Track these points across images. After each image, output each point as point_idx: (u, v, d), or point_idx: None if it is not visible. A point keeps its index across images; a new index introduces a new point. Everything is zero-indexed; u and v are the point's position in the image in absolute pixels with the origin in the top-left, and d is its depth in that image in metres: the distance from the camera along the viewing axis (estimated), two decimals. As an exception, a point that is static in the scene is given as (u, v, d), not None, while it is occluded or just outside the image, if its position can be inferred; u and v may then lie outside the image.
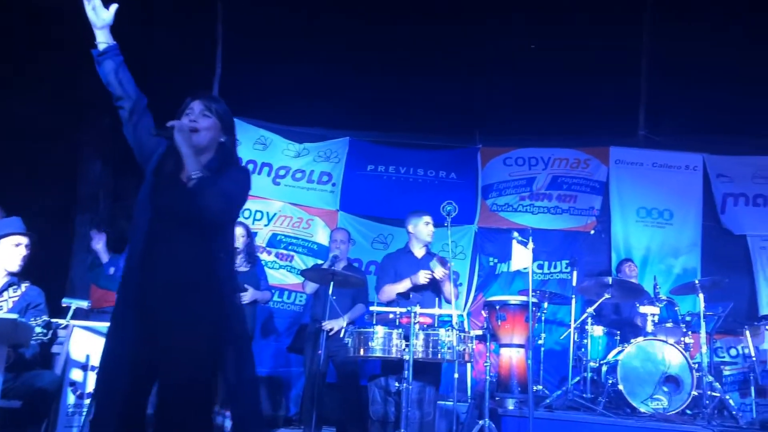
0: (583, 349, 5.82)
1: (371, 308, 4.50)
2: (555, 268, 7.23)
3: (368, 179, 7.60)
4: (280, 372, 6.77)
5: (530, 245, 4.50)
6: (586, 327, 5.82)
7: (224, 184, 2.57)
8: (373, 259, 7.17)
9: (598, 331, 5.92)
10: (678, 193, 7.39)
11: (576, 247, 7.16)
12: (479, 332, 4.81)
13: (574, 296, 5.77)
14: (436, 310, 4.53)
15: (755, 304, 7.09)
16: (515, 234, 4.76)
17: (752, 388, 5.81)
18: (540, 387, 5.89)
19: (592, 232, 6.77)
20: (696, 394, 5.25)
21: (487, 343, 4.69)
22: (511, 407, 5.14)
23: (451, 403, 6.07)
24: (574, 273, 5.86)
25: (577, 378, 5.72)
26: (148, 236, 2.54)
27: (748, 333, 5.89)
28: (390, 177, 7.61)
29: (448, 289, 4.89)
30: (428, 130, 7.74)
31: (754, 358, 5.84)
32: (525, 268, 4.87)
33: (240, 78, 7.55)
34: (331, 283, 4.68)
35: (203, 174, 2.51)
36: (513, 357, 4.46)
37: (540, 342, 6.15)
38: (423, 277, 4.81)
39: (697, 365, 5.42)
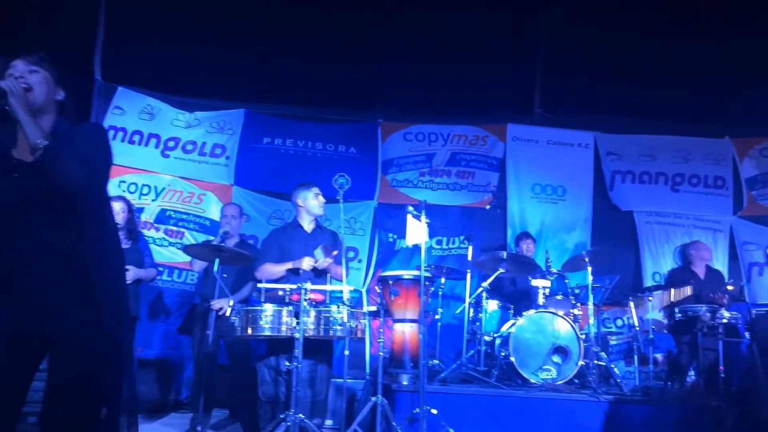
0: (477, 323, 5.87)
1: (259, 285, 4.30)
2: (453, 243, 7.27)
3: (264, 153, 7.33)
4: (170, 354, 6.45)
5: (423, 218, 4.42)
6: (482, 301, 5.87)
7: (78, 147, 2.28)
8: (270, 235, 6.95)
9: (493, 305, 5.99)
10: (571, 170, 7.59)
11: (473, 223, 7.21)
12: (374, 308, 4.73)
13: (469, 271, 5.79)
14: (327, 287, 4.39)
15: (640, 277, 7.43)
16: (410, 208, 4.68)
17: (635, 357, 6.06)
18: (436, 361, 5.92)
19: (488, 207, 6.81)
20: (583, 363, 5.40)
21: (381, 319, 4.61)
22: (405, 382, 5.10)
23: (349, 380, 6.06)
24: (470, 248, 5.89)
25: (472, 351, 5.77)
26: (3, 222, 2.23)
27: (632, 304, 6.11)
28: (287, 151, 7.37)
29: (338, 271, 4.78)
30: (328, 104, 7.53)
31: (637, 328, 6.07)
32: (420, 243, 4.81)
33: (125, 43, 7.03)
34: (217, 260, 4.43)
35: (51, 141, 2.21)
36: (406, 332, 4.40)
37: (437, 317, 6.19)
38: (307, 264, 4.65)
39: (584, 336, 5.58)
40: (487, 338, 5.82)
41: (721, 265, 7.31)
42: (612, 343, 6.93)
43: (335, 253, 4.67)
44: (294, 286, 4.15)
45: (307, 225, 4.96)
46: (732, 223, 7.52)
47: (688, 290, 6.41)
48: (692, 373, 6.31)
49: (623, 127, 7.71)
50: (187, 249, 5.07)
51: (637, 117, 7.63)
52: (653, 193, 7.59)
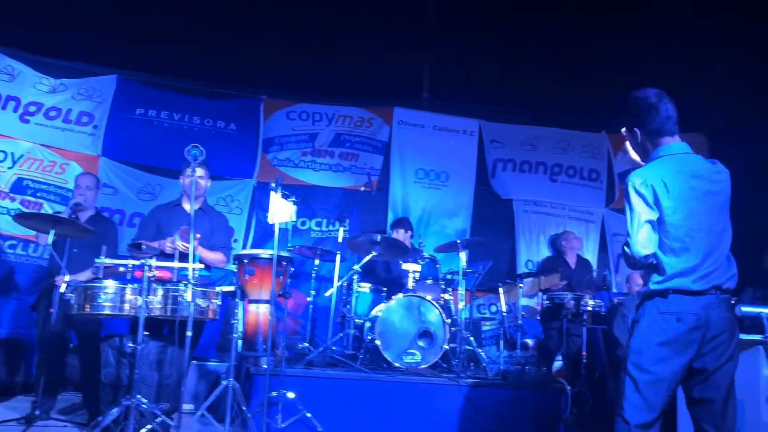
0: (348, 306, 5.79)
1: (96, 260, 4.01)
2: (333, 226, 7.15)
3: (137, 124, 6.92)
4: (21, 333, 6.00)
5: (278, 195, 4.27)
6: (353, 284, 5.79)
7: None
8: (139, 210, 6.59)
9: (365, 288, 5.92)
10: (455, 156, 7.64)
11: (355, 206, 7.13)
12: (230, 288, 4.54)
13: (339, 253, 5.69)
14: (175, 264, 4.16)
15: (515, 264, 7.59)
16: (273, 185, 4.51)
17: (501, 342, 6.17)
18: (306, 344, 5.81)
19: (362, 189, 6.71)
20: (448, 347, 5.44)
21: (237, 300, 4.43)
22: (266, 366, 4.94)
23: (214, 363, 5.86)
24: (341, 230, 5.78)
25: (340, 334, 5.69)
26: None
27: (501, 290, 6.21)
28: (162, 123, 7.00)
29: (206, 256, 4.59)
30: (208, 77, 7.20)
31: (505, 314, 6.18)
32: (283, 222, 4.65)
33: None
34: (52, 231, 4.10)
35: None
36: (260, 313, 4.25)
37: (309, 299, 6.07)
38: (167, 247, 4.43)
39: (451, 321, 5.61)
40: (358, 321, 5.76)
41: (591, 254, 7.58)
42: (485, 328, 7.05)
43: (198, 236, 4.43)
44: (137, 262, 3.89)
45: (188, 204, 4.66)
46: (604, 214, 7.81)
47: (556, 278, 6.59)
48: (559, 358, 6.53)
49: (508, 117, 7.83)
50: (18, 218, 4.65)
51: (520, 107, 7.76)
52: (532, 182, 7.77)
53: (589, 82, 7.48)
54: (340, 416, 4.76)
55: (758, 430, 3.07)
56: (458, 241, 5.93)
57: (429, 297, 5.56)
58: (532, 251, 7.61)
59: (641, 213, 2.64)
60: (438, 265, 6.08)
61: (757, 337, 3.12)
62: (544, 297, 6.38)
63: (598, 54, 7.42)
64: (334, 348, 5.50)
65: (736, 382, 2.82)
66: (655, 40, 7.30)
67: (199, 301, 4.05)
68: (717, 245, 2.67)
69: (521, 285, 6.59)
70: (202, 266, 4.03)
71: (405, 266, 5.72)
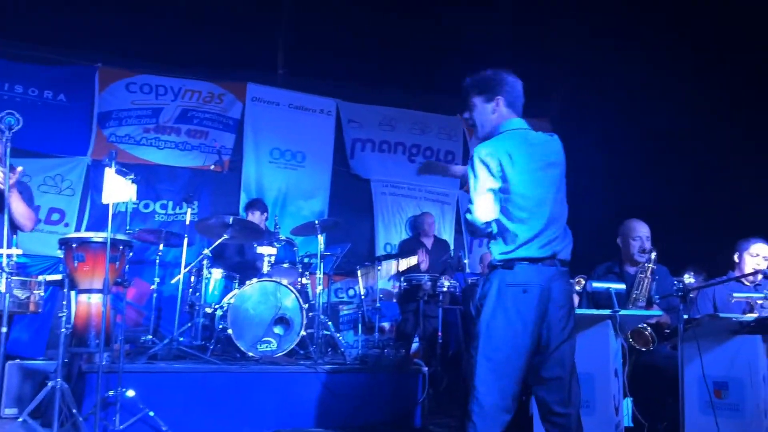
0: (197, 294, 5.38)
1: None
2: (181, 208, 6.65)
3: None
4: None
5: (112, 171, 3.80)
6: (203, 270, 5.38)
7: None
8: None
9: (216, 274, 5.53)
10: (312, 136, 7.40)
11: (202, 186, 6.66)
12: (57, 277, 3.99)
13: (186, 236, 5.25)
14: (-14, 250, 3.57)
15: (374, 246, 7.51)
16: (106, 159, 4.01)
17: (360, 326, 6.07)
18: (150, 337, 5.33)
19: (212, 168, 6.28)
20: (305, 333, 5.22)
21: (65, 290, 3.91)
22: (104, 362, 4.44)
23: (42, 361, 5.21)
24: (188, 212, 5.35)
25: (188, 324, 5.28)
26: None
27: (359, 273, 6.09)
28: (-27, 91, 6.12)
29: (20, 205, 3.94)
30: (33, 38, 6.36)
31: (363, 297, 6.07)
32: (123, 203, 4.18)
33: None
34: None
35: None
36: (92, 304, 3.78)
37: (153, 287, 5.58)
38: None
39: (308, 305, 5.40)
40: (208, 310, 5.38)
41: (447, 235, 7.67)
42: (343, 313, 6.90)
43: (20, 169, 3.80)
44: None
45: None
46: (459, 196, 7.93)
47: (414, 259, 6.59)
48: (417, 339, 6.54)
49: (365, 96, 7.70)
50: None
51: (378, 87, 7.65)
52: (391, 162, 7.72)
53: (446, 64, 7.51)
54: (188, 413, 4.38)
55: (607, 403, 3.15)
56: (316, 223, 5.69)
57: (285, 281, 5.30)
58: (390, 233, 7.57)
59: (484, 181, 2.65)
60: (295, 248, 5.83)
61: (607, 311, 3.19)
62: (402, 279, 6.36)
63: (455, 38, 7.48)
64: (181, 339, 5.09)
65: (588, 356, 2.84)
66: (509, 29, 7.51)
67: (17, 293, 3.50)
68: (558, 215, 2.73)
69: (379, 267, 6.53)
70: (20, 252, 3.48)
71: (260, 249, 5.41)
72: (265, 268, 5.36)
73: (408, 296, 6.32)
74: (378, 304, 6.22)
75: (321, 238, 5.70)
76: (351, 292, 7.33)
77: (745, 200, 6.45)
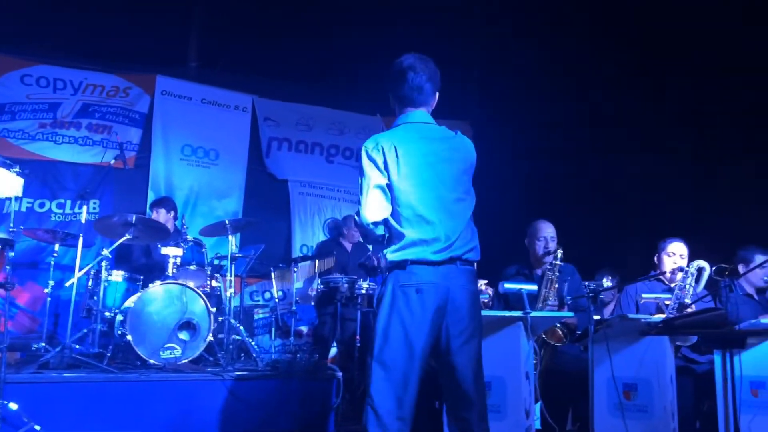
0: (96, 298, 5.02)
1: None
2: (80, 208, 6.20)
3: None
4: None
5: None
6: (102, 272, 5.02)
7: None
8: None
9: (117, 276, 5.18)
10: (226, 133, 7.11)
11: (105, 184, 6.26)
12: (-74, 280, 3.60)
13: (81, 236, 4.88)
14: None
15: (290, 248, 7.29)
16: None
17: (273, 330, 5.85)
18: (43, 344, 4.93)
19: (112, 163, 5.87)
20: (212, 339, 4.96)
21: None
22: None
23: None
24: (84, 210, 4.98)
25: (84, 330, 4.92)
26: None
27: (273, 275, 5.88)
28: None
29: None
30: None
31: (277, 300, 5.87)
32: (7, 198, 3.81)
33: None
34: None
35: None
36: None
37: (47, 291, 5.16)
38: None
39: (217, 309, 5.14)
40: (108, 315, 5.03)
41: (368, 238, 7.52)
42: (257, 316, 6.64)
43: None
44: None
45: None
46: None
47: (331, 262, 6.42)
48: (335, 343, 6.37)
49: (283, 94, 7.46)
50: None
51: (296, 85, 7.44)
52: (308, 162, 7.52)
53: (366, 63, 7.36)
54: (81, 426, 4.04)
55: (518, 407, 3.07)
56: (226, 223, 5.44)
57: (192, 284, 5.01)
58: (307, 235, 7.36)
59: (372, 178, 2.51)
60: (204, 249, 5.54)
61: (518, 313, 3.12)
62: (319, 282, 6.17)
63: (377, 37, 7.35)
64: (78, 347, 4.74)
65: (499, 358, 2.75)
66: (431, 27, 7.44)
67: None
68: (453, 214, 2.56)
69: (296, 270, 6.32)
70: None
71: (164, 251, 5.10)
72: (170, 270, 5.06)
73: (325, 299, 6.15)
74: (294, 308, 6.02)
75: (232, 239, 5.46)
76: (267, 295, 7.08)
77: (661, 202, 6.62)
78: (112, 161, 5.17)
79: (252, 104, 7.29)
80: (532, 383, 3.29)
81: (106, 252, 4.95)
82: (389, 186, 2.51)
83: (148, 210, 6.37)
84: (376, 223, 2.51)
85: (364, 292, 5.99)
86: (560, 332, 3.77)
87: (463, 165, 2.65)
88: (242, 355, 5.53)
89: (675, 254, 4.26)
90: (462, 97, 8.16)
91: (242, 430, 4.49)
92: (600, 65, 6.91)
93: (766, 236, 4.48)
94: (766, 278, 4.28)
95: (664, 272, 4.26)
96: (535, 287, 3.32)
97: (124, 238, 5.00)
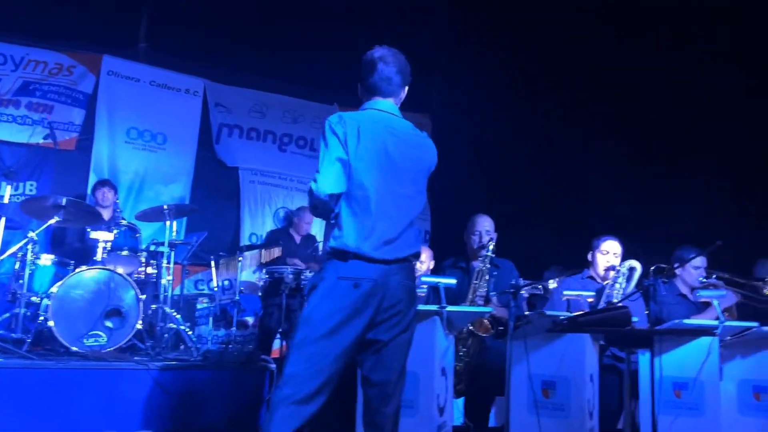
0: (21, 281, 4.83)
1: None
2: (17, 189, 6.00)
3: None
4: None
5: None
6: (28, 255, 4.84)
7: None
8: None
9: (46, 260, 5.00)
10: (175, 117, 6.93)
11: (44, 165, 6.06)
12: None
13: (4, 219, 4.70)
14: None
15: (239, 236, 7.15)
16: None
17: (210, 319, 5.73)
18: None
19: (40, 142, 5.70)
20: (140, 327, 4.81)
21: None
22: None
23: None
24: (8, 189, 4.80)
25: (6, 315, 4.75)
26: None
27: (213, 264, 5.75)
28: None
29: None
30: None
31: (216, 289, 5.75)
32: None
33: None
34: None
35: None
36: None
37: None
38: None
39: (147, 296, 5.00)
40: (34, 299, 4.85)
41: (318, 227, 7.40)
42: (200, 306, 6.49)
43: None
44: None
45: None
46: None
47: (278, 251, 6.30)
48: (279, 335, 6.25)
49: (236, 79, 7.29)
50: None
51: (251, 70, 7.27)
52: (260, 150, 7.37)
53: (325, 51, 7.24)
54: (-8, 413, 3.90)
55: (431, 403, 2.98)
56: (165, 207, 5.29)
57: (121, 270, 4.86)
58: (257, 224, 7.22)
59: (334, 150, 2.43)
60: (138, 235, 5.36)
61: (434, 307, 3.03)
62: (264, 272, 6.05)
63: (332, 26, 7.22)
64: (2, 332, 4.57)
65: (413, 354, 2.67)
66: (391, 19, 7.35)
67: None
68: (400, 209, 2.50)
69: (241, 258, 6.18)
70: None
71: (94, 235, 4.94)
72: (99, 256, 4.89)
73: (271, 290, 6.00)
74: (237, 297, 5.88)
75: (172, 225, 5.32)
76: (213, 284, 6.92)
77: (608, 200, 6.63)
78: (41, 141, 4.98)
79: (203, 89, 7.11)
80: (450, 379, 3.20)
81: (32, 234, 4.77)
82: (347, 161, 2.43)
83: (89, 192, 6.18)
84: (332, 196, 2.41)
85: (310, 283, 5.87)
86: (487, 323, 3.68)
87: (421, 165, 2.61)
88: (182, 345, 5.39)
89: (609, 252, 4.21)
90: (423, 91, 8.10)
91: (168, 421, 4.36)
92: (551, 63, 6.91)
93: (702, 237, 4.44)
94: (701, 278, 4.25)
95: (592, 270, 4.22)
96: (453, 281, 3.22)
97: (52, 221, 4.82)
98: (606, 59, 6.77)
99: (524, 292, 4.55)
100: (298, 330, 2.41)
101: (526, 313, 3.38)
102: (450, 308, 3.02)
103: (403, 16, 7.62)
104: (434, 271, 5.08)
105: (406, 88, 2.69)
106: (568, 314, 3.24)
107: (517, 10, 7.28)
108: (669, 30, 6.31)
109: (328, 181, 2.40)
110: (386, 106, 2.61)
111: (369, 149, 2.45)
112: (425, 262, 5.45)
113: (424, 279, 3.21)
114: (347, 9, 7.23)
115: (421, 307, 2.99)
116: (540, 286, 4.60)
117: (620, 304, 3.10)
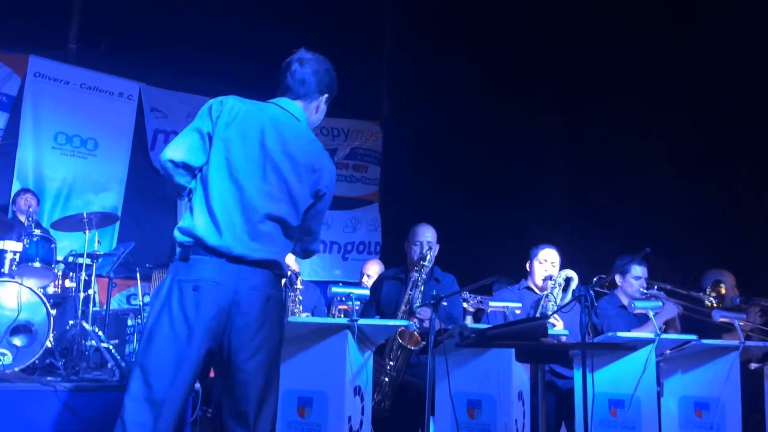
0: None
1: None
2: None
3: None
4: None
5: None
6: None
7: None
8: None
9: (-48, 274, 4.63)
10: (107, 122, 6.58)
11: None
12: None
13: None
14: None
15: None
16: None
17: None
18: None
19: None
20: (51, 345, 4.46)
21: None
22: None
23: None
24: None
25: None
26: None
27: (138, 277, 5.43)
28: None
29: None
30: None
31: (141, 304, 5.40)
32: None
33: None
34: None
35: None
36: None
37: None
38: None
39: (58, 311, 4.67)
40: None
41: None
42: (131, 322, 6.12)
43: None
44: None
45: None
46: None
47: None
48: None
49: (173, 83, 6.98)
50: None
51: (188, 74, 6.97)
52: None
53: (264, 57, 6.97)
54: None
55: (341, 424, 2.71)
56: (84, 216, 4.94)
57: (31, 283, 4.51)
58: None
59: (198, 122, 2.28)
60: (53, 245, 5.00)
61: (344, 320, 2.77)
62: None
63: (273, 31, 6.98)
64: None
65: (321, 371, 2.39)
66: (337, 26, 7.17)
67: None
68: (261, 206, 2.20)
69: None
70: None
71: (0, 245, 4.58)
72: (7, 267, 4.53)
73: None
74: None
75: (94, 235, 4.97)
76: (147, 299, 6.56)
77: (558, 209, 6.50)
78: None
79: (139, 92, 6.77)
80: (367, 399, 2.93)
81: (-68, 244, 4.41)
82: (209, 136, 2.24)
83: (10, 201, 5.81)
84: (174, 162, 2.20)
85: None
86: (417, 336, 3.43)
87: (303, 175, 2.29)
88: (109, 363, 5.03)
89: (546, 261, 4.01)
90: (371, 99, 7.92)
91: (77, 446, 4.02)
92: (498, 74, 6.79)
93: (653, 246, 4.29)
94: (642, 290, 4.08)
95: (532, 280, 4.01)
96: (366, 292, 2.98)
97: (-43, 230, 4.47)
98: (555, 66, 6.69)
99: (468, 306, 4.35)
100: (140, 343, 2.15)
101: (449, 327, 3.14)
102: (362, 321, 2.76)
103: (352, 24, 7.46)
104: (375, 283, 4.83)
105: (325, 97, 2.46)
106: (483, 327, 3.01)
107: (469, 19, 7.18)
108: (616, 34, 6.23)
109: (175, 147, 2.23)
110: (289, 105, 2.40)
111: (243, 133, 2.24)
112: (372, 276, 5.20)
113: (334, 290, 2.95)
114: (290, 14, 7.03)
115: (328, 320, 2.73)
116: (479, 299, 4.38)
117: (539, 316, 2.87)
